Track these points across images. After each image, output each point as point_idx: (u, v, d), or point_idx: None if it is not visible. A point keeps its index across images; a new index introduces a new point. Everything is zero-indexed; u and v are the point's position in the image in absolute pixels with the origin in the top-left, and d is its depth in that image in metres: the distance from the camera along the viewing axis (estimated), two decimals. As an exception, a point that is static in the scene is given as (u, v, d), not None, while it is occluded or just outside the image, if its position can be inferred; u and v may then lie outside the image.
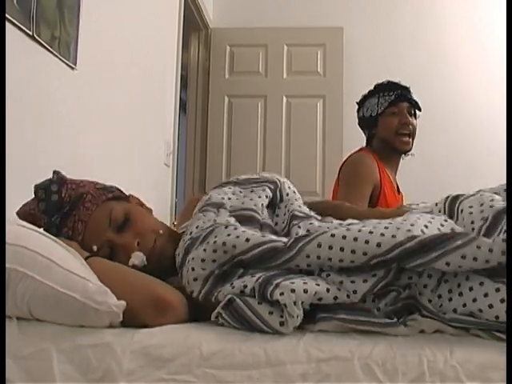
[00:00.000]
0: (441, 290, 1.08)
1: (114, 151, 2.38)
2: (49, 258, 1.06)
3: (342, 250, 1.07)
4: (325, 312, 1.06)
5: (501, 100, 4.42)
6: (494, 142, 4.44)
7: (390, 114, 2.60)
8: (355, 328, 1.05)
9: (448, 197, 1.32)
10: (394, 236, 1.06)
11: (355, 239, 1.07)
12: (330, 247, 1.09)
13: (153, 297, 1.10)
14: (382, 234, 1.07)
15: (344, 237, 1.08)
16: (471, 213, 1.20)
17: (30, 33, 1.66)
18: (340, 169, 2.66)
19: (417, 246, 1.04)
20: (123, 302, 1.05)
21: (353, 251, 1.07)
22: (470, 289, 1.04)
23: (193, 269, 1.14)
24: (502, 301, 1.00)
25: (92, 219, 1.29)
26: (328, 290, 1.05)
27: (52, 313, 1.06)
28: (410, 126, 2.61)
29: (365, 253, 1.06)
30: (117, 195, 1.37)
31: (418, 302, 1.09)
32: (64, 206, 1.29)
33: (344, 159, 2.69)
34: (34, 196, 1.30)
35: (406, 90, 2.66)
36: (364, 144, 2.76)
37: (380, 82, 2.69)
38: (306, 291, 1.02)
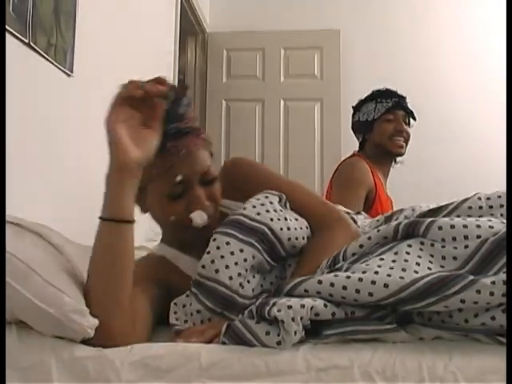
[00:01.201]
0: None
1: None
2: (28, 265, 1.03)
3: (331, 295, 1.05)
4: (327, 329, 1.04)
5: (496, 105, 4.44)
6: (488, 147, 4.46)
7: (385, 120, 2.64)
8: (356, 338, 1.04)
9: (399, 223, 1.25)
10: (385, 285, 1.02)
11: (344, 288, 1.04)
12: (318, 292, 1.06)
13: (99, 322, 1.04)
14: (373, 282, 1.03)
15: (332, 284, 1.05)
16: (455, 239, 1.15)
17: (26, 40, 1.66)
18: (333, 174, 2.70)
19: (411, 295, 1.00)
20: (96, 321, 1.02)
21: (343, 297, 1.04)
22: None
23: None
24: (503, 311, 1.00)
25: (195, 155, 1.28)
26: (326, 306, 1.03)
27: (31, 322, 1.05)
28: (405, 134, 2.66)
29: (356, 299, 1.04)
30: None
31: (416, 319, 1.08)
32: (184, 123, 1.27)
33: (337, 165, 2.72)
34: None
35: (403, 98, 2.69)
36: (357, 148, 2.80)
37: (378, 88, 2.72)
38: (302, 306, 1.00)
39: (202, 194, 1.29)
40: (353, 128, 2.80)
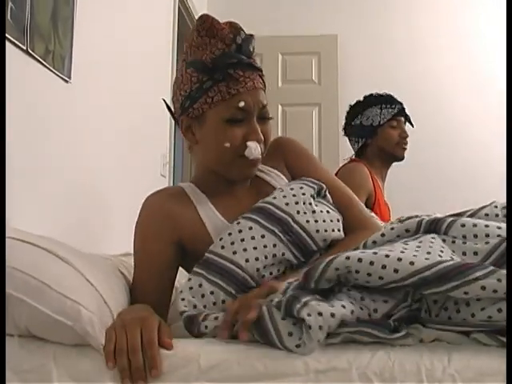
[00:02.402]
0: (447, 303, 1.06)
1: (110, 162, 2.38)
2: (41, 281, 1.04)
3: (357, 272, 1.04)
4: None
5: (493, 109, 4.45)
6: (486, 151, 4.47)
7: (389, 126, 2.68)
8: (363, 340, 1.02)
9: (422, 220, 1.25)
10: (411, 263, 1.02)
11: (371, 263, 1.03)
12: (348, 267, 1.04)
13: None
14: (399, 259, 1.03)
15: (360, 260, 1.04)
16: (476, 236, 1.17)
17: (24, 47, 1.66)
18: None
19: (435, 275, 1.00)
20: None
21: (369, 274, 1.03)
22: (478, 299, 1.02)
23: None
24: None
25: (258, 90, 1.35)
26: (352, 312, 1.02)
27: (48, 335, 1.07)
28: (407, 139, 2.72)
29: (381, 277, 1.03)
30: None
31: (423, 316, 1.08)
32: (253, 60, 1.36)
33: (336, 170, 2.73)
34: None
35: (402, 104, 2.74)
36: (353, 152, 2.82)
37: (380, 93, 2.74)
38: (332, 315, 0.98)
39: (258, 129, 1.34)
40: (350, 131, 2.80)
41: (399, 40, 4.74)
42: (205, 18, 1.36)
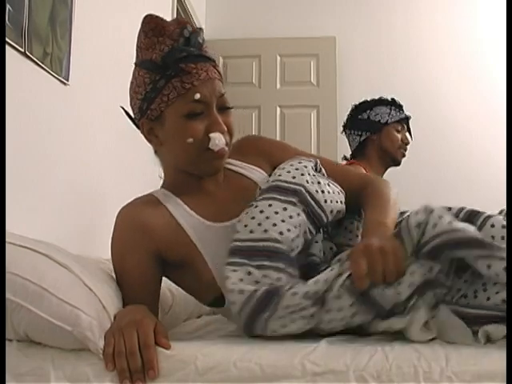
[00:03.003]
0: (468, 291, 1.11)
1: (108, 164, 2.38)
2: (40, 286, 1.05)
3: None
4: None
5: (495, 112, 4.45)
6: (485, 153, 4.46)
7: (395, 128, 2.75)
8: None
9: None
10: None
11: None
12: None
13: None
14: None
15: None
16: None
17: (22, 50, 1.66)
18: None
19: (466, 239, 1.07)
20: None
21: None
22: (494, 284, 1.06)
23: None
24: None
25: (214, 80, 1.30)
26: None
27: (47, 340, 1.07)
28: (407, 147, 2.80)
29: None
30: None
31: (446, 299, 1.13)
32: (203, 51, 1.32)
33: None
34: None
35: (409, 116, 2.82)
36: (350, 151, 2.85)
37: (389, 97, 2.80)
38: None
39: (220, 119, 1.31)
40: (355, 125, 2.81)
41: (398, 42, 4.74)
42: (149, 18, 1.33)
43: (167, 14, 3.60)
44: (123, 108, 1.45)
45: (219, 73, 1.34)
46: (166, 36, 1.29)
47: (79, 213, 2.10)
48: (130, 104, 1.39)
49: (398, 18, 4.76)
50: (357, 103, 2.86)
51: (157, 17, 1.33)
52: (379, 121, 2.74)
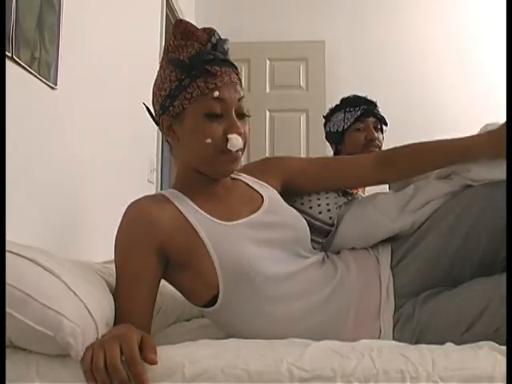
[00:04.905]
0: None
1: (97, 169, 2.37)
2: (25, 292, 1.04)
3: None
4: None
5: (494, 113, 4.46)
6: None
7: (355, 129, 2.57)
8: None
9: None
10: None
11: None
12: None
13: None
14: None
15: None
16: None
17: (10, 54, 1.66)
18: None
19: None
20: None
21: None
22: None
23: None
24: None
25: (235, 85, 1.37)
26: None
27: (31, 346, 1.06)
28: (377, 142, 2.58)
29: None
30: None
31: None
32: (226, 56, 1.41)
33: None
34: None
35: (372, 104, 2.63)
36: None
37: (345, 96, 2.67)
38: None
39: (239, 124, 1.35)
40: (326, 138, 2.78)
41: (387, 46, 4.77)
42: (179, 22, 1.41)
43: (156, 19, 3.60)
44: (145, 104, 1.53)
45: (240, 80, 1.41)
46: (195, 40, 1.37)
47: (67, 215, 2.10)
48: (152, 101, 1.46)
49: (387, 22, 4.79)
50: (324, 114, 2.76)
51: (187, 22, 1.41)
52: (337, 130, 2.61)
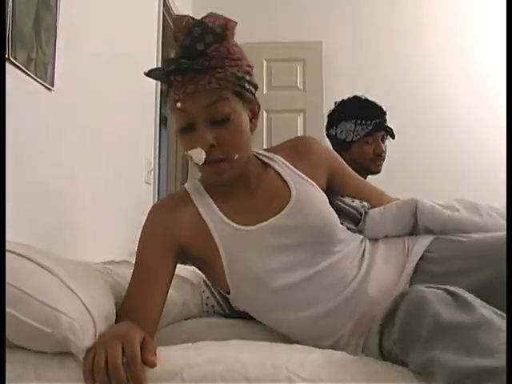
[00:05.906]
0: None
1: (95, 170, 2.36)
2: (21, 290, 1.03)
3: None
4: None
5: (484, 111, 4.48)
6: (485, 154, 4.47)
7: (364, 142, 2.59)
8: None
9: None
10: None
11: None
12: None
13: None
14: None
15: None
16: None
17: (6, 55, 1.65)
18: None
19: None
20: (88, 344, 1.05)
21: None
22: None
23: None
24: None
25: (203, 92, 1.26)
26: None
27: (29, 344, 1.06)
28: (383, 154, 2.62)
29: None
30: (246, 97, 1.40)
31: None
32: (206, 60, 1.27)
33: None
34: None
35: (383, 116, 2.63)
36: None
37: (357, 98, 2.66)
38: None
39: (206, 133, 1.27)
40: (328, 137, 2.74)
41: (384, 46, 4.76)
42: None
43: (153, 20, 3.60)
44: None
45: (219, 80, 1.28)
46: (178, 43, 1.31)
47: (63, 216, 2.09)
48: None
49: (385, 22, 4.78)
50: (328, 111, 2.76)
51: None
52: (345, 139, 2.60)
